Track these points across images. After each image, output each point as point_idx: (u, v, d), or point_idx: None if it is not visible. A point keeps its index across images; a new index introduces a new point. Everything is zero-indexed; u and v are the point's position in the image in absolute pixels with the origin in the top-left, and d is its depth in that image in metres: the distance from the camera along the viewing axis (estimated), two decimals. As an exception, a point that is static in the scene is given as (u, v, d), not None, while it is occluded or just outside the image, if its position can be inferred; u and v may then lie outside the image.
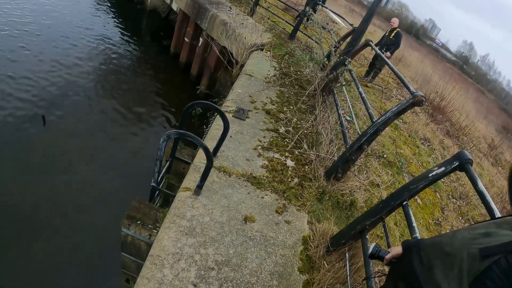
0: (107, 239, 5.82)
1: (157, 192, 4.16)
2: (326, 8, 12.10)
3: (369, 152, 5.62)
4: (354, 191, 4.33)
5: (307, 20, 10.48)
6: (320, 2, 11.92)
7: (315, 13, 9.92)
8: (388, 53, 10.28)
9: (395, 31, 10.49)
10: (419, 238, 2.29)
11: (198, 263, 2.85)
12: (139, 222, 3.61)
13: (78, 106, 9.26)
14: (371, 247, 2.21)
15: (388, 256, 2.03)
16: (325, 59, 7.22)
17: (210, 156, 3.08)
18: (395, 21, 10.71)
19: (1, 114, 8.07)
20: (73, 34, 13.32)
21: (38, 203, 6.34)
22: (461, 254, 1.28)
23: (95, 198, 6.74)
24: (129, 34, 15.10)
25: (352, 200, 4.19)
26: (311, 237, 3.44)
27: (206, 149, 3.04)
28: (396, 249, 2.05)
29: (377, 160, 5.78)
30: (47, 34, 12.60)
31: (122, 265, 4.20)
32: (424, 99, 3.50)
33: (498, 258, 1.12)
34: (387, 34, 10.86)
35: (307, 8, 10.00)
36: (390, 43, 10.54)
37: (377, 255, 2.14)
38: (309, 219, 3.70)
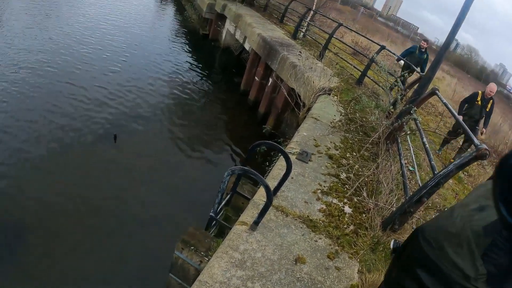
0: (157, 258, 6.12)
1: (214, 222, 4.36)
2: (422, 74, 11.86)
3: (429, 205, 5.50)
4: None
5: (395, 85, 8.38)
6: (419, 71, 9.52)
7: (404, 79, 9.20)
8: (483, 129, 8.35)
9: (491, 101, 8.10)
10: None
11: None
12: (192, 247, 3.81)
13: (148, 130, 10.01)
14: (391, 243, 2.27)
15: None
16: (391, 107, 7.20)
17: (271, 195, 3.24)
18: (494, 88, 8.07)
19: (80, 127, 9.11)
20: (152, 63, 14.51)
21: (99, 212, 6.90)
22: (465, 232, 1.38)
23: (152, 217, 7.12)
24: (202, 68, 15.97)
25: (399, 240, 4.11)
26: (360, 286, 3.43)
27: (267, 188, 3.21)
28: None
29: (437, 213, 5.63)
30: (130, 60, 13.81)
31: (167, 286, 4.40)
32: (488, 153, 3.41)
33: (500, 230, 1.26)
34: (479, 102, 8.09)
35: (401, 73, 9.06)
36: (486, 115, 8.21)
37: (397, 248, 2.24)
38: (360, 268, 3.67)
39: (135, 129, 9.83)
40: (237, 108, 13.36)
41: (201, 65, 16.31)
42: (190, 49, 18.19)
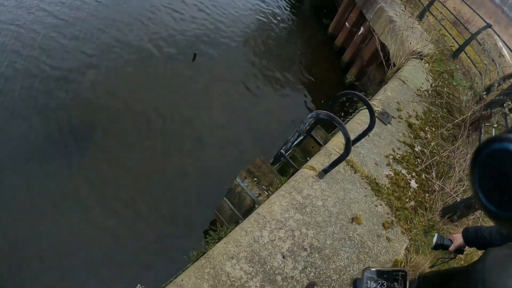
0: (214, 179, 6.21)
1: (282, 158, 4.30)
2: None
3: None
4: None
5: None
6: None
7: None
8: None
9: None
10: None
11: (296, 239, 2.94)
12: (255, 179, 3.79)
13: (227, 55, 9.83)
14: (434, 237, 2.22)
15: (451, 248, 2.20)
16: (484, 93, 6.67)
17: (349, 148, 3.10)
18: None
19: (164, 39, 9.11)
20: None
21: (169, 125, 7.02)
22: None
23: (218, 139, 7.16)
24: (292, 3, 15.31)
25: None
26: (403, 264, 3.35)
27: (348, 140, 3.07)
28: (458, 239, 2.20)
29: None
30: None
31: (218, 208, 4.48)
32: None
33: None
34: None
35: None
36: None
37: (441, 244, 2.25)
38: (409, 246, 3.59)
39: (215, 52, 9.65)
40: (322, 51, 12.77)
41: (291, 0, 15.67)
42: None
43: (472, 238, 2.14)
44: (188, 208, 5.79)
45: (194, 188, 6.09)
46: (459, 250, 2.28)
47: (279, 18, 13.33)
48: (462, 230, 2.21)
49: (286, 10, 14.44)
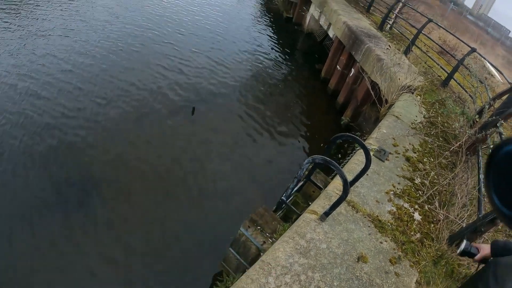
0: (218, 230, 6.41)
1: (283, 206, 4.45)
2: None
3: (500, 228, 5.24)
4: (472, 265, 4.10)
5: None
6: None
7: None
8: None
9: None
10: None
11: (302, 283, 3.03)
12: (259, 227, 3.94)
13: (225, 107, 10.30)
14: (463, 244, 2.25)
15: (477, 258, 2.17)
16: (476, 116, 6.85)
17: (347, 189, 3.26)
18: None
19: (161, 96, 9.61)
20: (233, 42, 14.87)
21: (170, 179, 7.29)
22: None
23: (220, 190, 7.37)
24: (283, 51, 15.97)
25: (466, 274, 3.95)
26: (414, 298, 3.38)
27: (345, 182, 3.23)
28: (485, 249, 2.18)
29: (505, 238, 5.35)
30: (212, 38, 14.31)
31: (224, 259, 4.58)
32: None
33: None
34: None
35: None
36: None
37: (468, 252, 2.23)
38: (419, 279, 3.61)
39: (213, 105, 10.14)
40: (316, 95, 13.26)
41: (282, 48, 16.31)
42: (272, 31, 18.21)
43: (500, 250, 2.13)
44: (194, 260, 5.90)
45: (199, 240, 6.23)
46: (484, 261, 2.26)
47: (273, 67, 13.92)
48: (491, 241, 2.23)
49: (280, 58, 15.06)
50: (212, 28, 15.57)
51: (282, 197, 4.16)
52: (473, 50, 10.00)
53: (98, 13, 13.85)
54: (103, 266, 5.43)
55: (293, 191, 4.42)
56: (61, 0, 14.12)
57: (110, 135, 7.83)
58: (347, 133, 4.03)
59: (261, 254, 3.70)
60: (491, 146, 5.77)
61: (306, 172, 4.76)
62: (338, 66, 12.69)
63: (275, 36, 17.61)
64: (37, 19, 12.17)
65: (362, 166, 3.86)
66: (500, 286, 1.59)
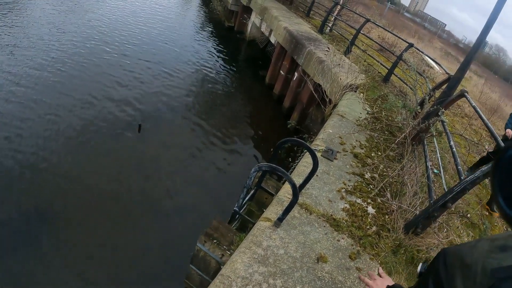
0: (178, 248, 6.29)
1: (237, 216, 4.39)
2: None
3: (453, 210, 5.41)
4: (431, 249, 4.20)
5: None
6: None
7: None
8: None
9: None
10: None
11: None
12: (215, 241, 3.86)
13: (172, 120, 10.16)
14: (419, 267, 2.27)
15: None
16: (418, 107, 7.09)
17: (297, 193, 3.25)
18: None
19: (103, 116, 9.26)
20: (177, 54, 14.73)
21: (122, 201, 7.07)
22: (476, 267, 1.33)
23: (175, 208, 7.26)
24: (227, 60, 16.02)
25: (427, 258, 4.04)
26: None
27: (294, 186, 3.21)
28: None
29: (460, 219, 5.54)
30: (155, 51, 14.10)
31: (187, 276, 4.46)
32: None
33: (505, 278, 1.15)
34: None
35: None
36: None
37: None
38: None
39: (159, 120, 9.96)
40: (262, 102, 13.39)
41: (226, 57, 16.38)
42: (215, 41, 18.27)
43: None
44: (158, 281, 5.77)
45: (159, 260, 6.09)
46: None
47: (218, 76, 13.99)
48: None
49: (224, 67, 15.14)
50: (153, 44, 15.35)
51: (235, 208, 4.10)
52: (411, 45, 10.42)
53: (33, 28, 13.27)
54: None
55: (245, 200, 4.36)
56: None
57: (54, 162, 7.47)
58: (292, 138, 4.03)
59: (221, 267, 3.61)
60: (435, 134, 5.99)
61: (256, 180, 4.72)
62: (281, 71, 12.87)
63: (218, 46, 17.67)
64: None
65: (311, 168, 3.86)
66: (450, 274, 1.58)
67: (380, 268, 2.00)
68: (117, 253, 6.03)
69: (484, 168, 3.61)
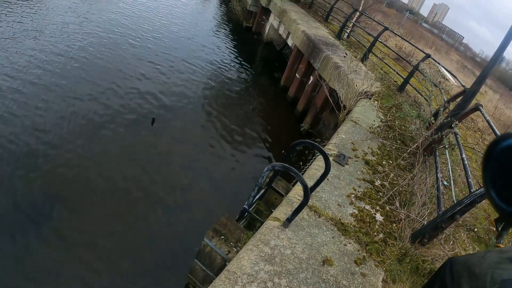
0: (183, 242, 6.34)
1: (246, 214, 4.44)
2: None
3: (460, 223, 5.40)
4: (436, 260, 4.21)
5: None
6: None
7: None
8: None
9: None
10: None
11: None
12: (222, 237, 3.91)
13: (185, 117, 10.24)
14: None
15: None
16: (432, 118, 7.08)
17: (308, 194, 3.29)
18: None
19: (118, 108, 9.39)
20: (194, 52, 14.83)
21: (132, 192, 7.14)
22: (485, 277, 1.34)
23: (183, 202, 7.33)
24: (243, 60, 16.09)
25: (431, 269, 4.04)
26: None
27: (306, 188, 3.25)
28: None
29: (467, 233, 5.52)
30: (174, 48, 14.21)
31: (191, 271, 4.52)
32: None
33: None
34: None
35: None
36: None
37: None
38: (385, 277, 3.66)
39: (173, 115, 10.06)
40: (276, 103, 13.44)
41: (242, 57, 16.46)
42: (233, 41, 18.37)
43: None
44: (160, 274, 5.81)
45: (164, 253, 6.14)
46: None
47: (234, 76, 14.04)
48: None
49: (240, 67, 15.20)
50: (172, 39, 15.53)
51: (244, 206, 4.15)
52: (428, 56, 10.38)
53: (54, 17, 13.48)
54: (66, 284, 5.26)
55: (255, 199, 4.41)
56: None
57: (69, 149, 7.59)
58: (306, 140, 4.07)
59: (227, 264, 3.66)
60: (447, 146, 5.98)
61: (267, 180, 4.77)
62: (297, 74, 12.90)
63: (235, 46, 17.77)
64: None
65: (323, 171, 3.90)
66: (456, 283, 1.60)
67: None
68: (122, 244, 6.10)
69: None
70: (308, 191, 3.27)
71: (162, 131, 9.17)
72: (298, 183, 4.62)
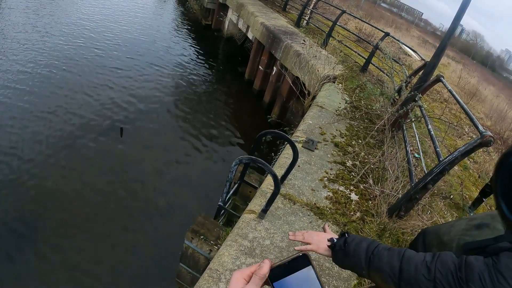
0: (167, 248, 6.28)
1: (223, 211, 4.41)
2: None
3: (435, 192, 5.51)
4: (416, 231, 4.28)
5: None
6: None
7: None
8: None
9: None
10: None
11: None
12: (202, 237, 3.87)
13: (153, 122, 10.09)
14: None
15: None
16: (396, 94, 7.19)
17: (278, 183, 3.28)
18: None
19: (83, 122, 9.14)
20: (155, 55, 14.63)
21: (108, 204, 7.02)
22: (452, 244, 1.36)
23: (161, 208, 7.24)
24: (206, 58, 15.98)
25: (412, 239, 4.12)
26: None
27: (275, 177, 3.24)
28: None
29: (443, 200, 5.64)
30: (132, 53, 13.96)
31: (177, 275, 4.48)
32: (492, 140, 3.38)
33: (474, 248, 1.18)
34: None
35: None
36: None
37: None
38: None
39: (140, 122, 9.89)
40: (242, 98, 13.41)
41: (204, 56, 16.33)
42: (193, 40, 18.20)
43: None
44: (148, 283, 5.75)
45: (149, 262, 6.07)
46: None
47: (198, 75, 13.95)
48: None
49: (203, 66, 15.12)
50: (135, 43, 15.23)
51: (219, 203, 4.11)
52: (387, 34, 10.54)
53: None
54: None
55: (229, 194, 4.38)
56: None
57: (38, 169, 7.36)
58: (271, 130, 4.06)
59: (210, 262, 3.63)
60: (413, 119, 6.07)
61: (239, 174, 4.75)
62: (260, 67, 12.90)
63: (197, 44, 17.62)
64: None
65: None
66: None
67: (327, 223, 1.93)
68: (106, 257, 6.00)
69: (461, 148, 3.67)
70: (278, 180, 3.26)
71: (132, 140, 9.02)
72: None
